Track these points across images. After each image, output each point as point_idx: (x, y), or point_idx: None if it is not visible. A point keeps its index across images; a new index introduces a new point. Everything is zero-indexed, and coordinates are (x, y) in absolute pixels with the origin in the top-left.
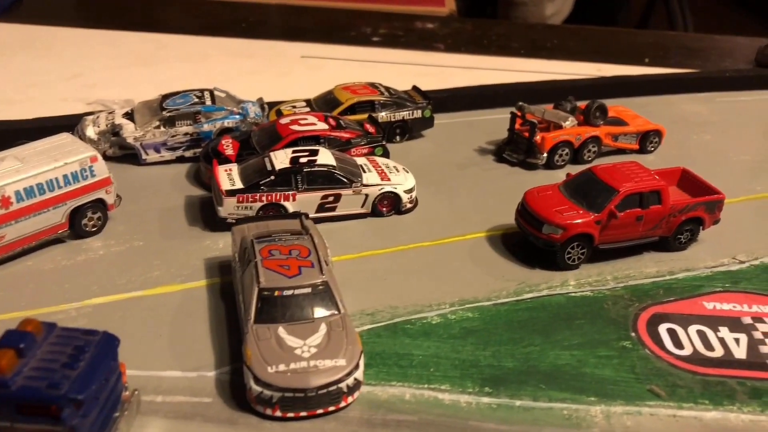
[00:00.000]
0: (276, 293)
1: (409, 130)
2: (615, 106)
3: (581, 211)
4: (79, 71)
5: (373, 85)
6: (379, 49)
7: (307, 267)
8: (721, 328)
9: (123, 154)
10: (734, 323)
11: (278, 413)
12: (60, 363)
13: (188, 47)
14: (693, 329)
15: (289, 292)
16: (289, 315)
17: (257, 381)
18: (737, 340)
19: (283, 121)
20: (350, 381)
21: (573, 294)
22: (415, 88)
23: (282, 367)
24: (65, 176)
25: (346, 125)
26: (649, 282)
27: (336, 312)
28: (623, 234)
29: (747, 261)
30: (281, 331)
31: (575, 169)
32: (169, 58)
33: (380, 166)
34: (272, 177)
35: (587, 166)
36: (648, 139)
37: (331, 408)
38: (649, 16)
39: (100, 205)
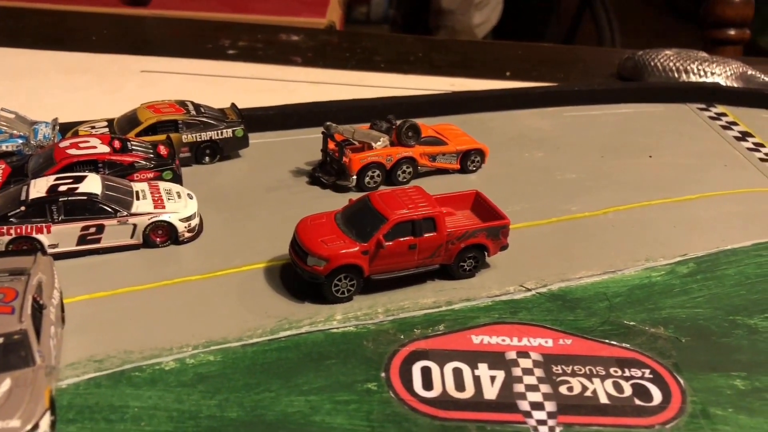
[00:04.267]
0: None
1: (220, 151)
2: (442, 124)
3: (347, 241)
4: None
5: (182, 103)
6: (233, 62)
7: (6, 314)
8: (480, 364)
9: None
10: (496, 359)
11: None
12: None
13: (13, 61)
14: (450, 367)
15: None
16: None
17: None
18: (493, 378)
19: (62, 144)
20: None
21: (334, 330)
22: (233, 105)
23: None
24: None
25: (133, 148)
26: (422, 314)
27: (28, 366)
28: (396, 264)
29: (534, 289)
30: None
31: None
32: None
33: (159, 192)
34: (23, 208)
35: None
36: (469, 159)
37: None
38: (577, 29)
39: None
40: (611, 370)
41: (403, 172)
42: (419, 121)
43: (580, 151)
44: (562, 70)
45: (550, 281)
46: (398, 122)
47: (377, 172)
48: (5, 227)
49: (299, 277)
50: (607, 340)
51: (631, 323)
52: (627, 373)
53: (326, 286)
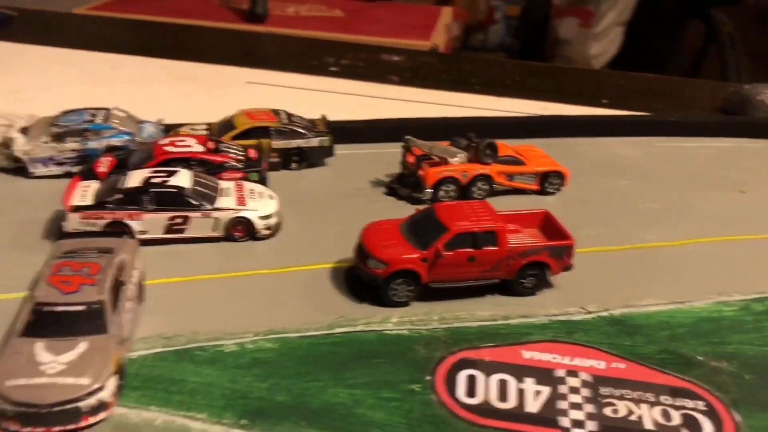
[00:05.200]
0: (45, 308)
1: (307, 158)
2: (525, 145)
3: (408, 248)
4: (17, 87)
5: (276, 112)
6: (334, 79)
7: (89, 285)
8: (527, 378)
9: (16, 166)
10: (544, 375)
11: (16, 427)
12: None
13: (137, 68)
14: (496, 378)
15: (61, 309)
16: (53, 331)
17: None
18: (537, 393)
19: (162, 141)
20: (92, 401)
21: (387, 332)
22: (323, 117)
23: (21, 382)
24: None
25: (225, 149)
26: (477, 325)
27: (103, 333)
28: (455, 274)
29: (595, 312)
30: (39, 345)
31: None
32: (114, 77)
33: (243, 191)
34: (120, 195)
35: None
36: (548, 180)
37: (71, 426)
38: (701, 63)
39: None
40: (662, 398)
41: (479, 188)
42: (503, 142)
43: (666, 181)
44: (663, 100)
45: (613, 306)
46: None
47: (452, 186)
48: (103, 212)
49: (361, 279)
50: (663, 369)
51: (692, 354)
52: (679, 403)
53: (384, 289)
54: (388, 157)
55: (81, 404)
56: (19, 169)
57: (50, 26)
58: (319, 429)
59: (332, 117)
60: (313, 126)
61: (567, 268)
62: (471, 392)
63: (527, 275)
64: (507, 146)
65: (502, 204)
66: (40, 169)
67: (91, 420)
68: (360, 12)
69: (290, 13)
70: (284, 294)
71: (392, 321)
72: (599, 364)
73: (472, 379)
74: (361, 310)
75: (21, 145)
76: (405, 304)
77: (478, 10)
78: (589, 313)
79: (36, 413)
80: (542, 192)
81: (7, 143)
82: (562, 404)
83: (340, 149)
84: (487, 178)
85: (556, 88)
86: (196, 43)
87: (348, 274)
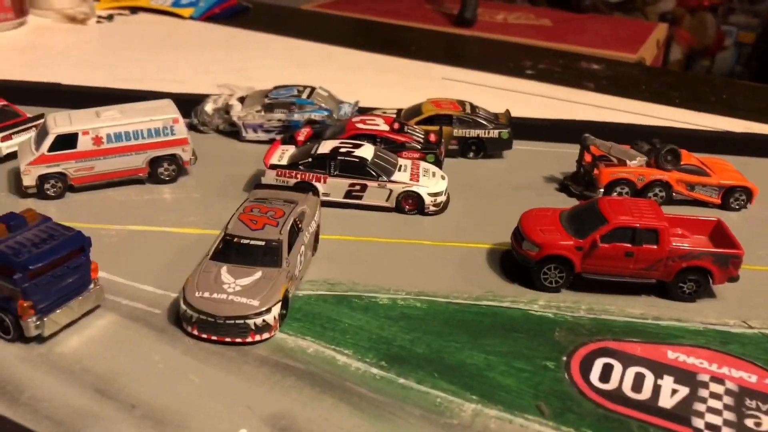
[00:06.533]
0: (234, 239)
1: (485, 148)
2: (714, 158)
3: (564, 234)
4: (244, 66)
5: (461, 103)
6: (528, 81)
7: (272, 226)
8: (666, 376)
9: (232, 130)
10: (686, 376)
11: (195, 332)
12: (32, 243)
13: (347, 58)
14: (633, 370)
15: (246, 241)
16: (237, 258)
17: (185, 301)
18: (674, 391)
19: (355, 119)
20: (258, 321)
21: (532, 312)
22: (506, 111)
23: (206, 294)
24: (149, 130)
25: (408, 131)
26: (624, 321)
27: (277, 267)
28: (610, 267)
29: (758, 328)
30: (224, 269)
31: None
32: (326, 65)
33: (418, 170)
34: (309, 159)
35: None
36: (732, 195)
37: (239, 340)
38: None
39: (175, 159)
40: None
41: (655, 195)
42: (690, 153)
43: None
44: None
45: None
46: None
47: (626, 189)
48: (295, 171)
49: (515, 261)
50: None
51: None
52: None
53: (536, 272)
54: (567, 156)
55: (249, 322)
56: (233, 132)
57: (278, 18)
58: (450, 382)
59: (517, 113)
60: (495, 119)
61: (732, 279)
62: (605, 378)
63: (687, 280)
64: (692, 156)
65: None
66: (250, 134)
67: (256, 337)
68: (568, 22)
69: (498, 19)
70: (440, 264)
71: (539, 303)
72: (750, 378)
73: (608, 367)
74: (510, 289)
75: (237, 112)
76: (555, 290)
77: (705, 34)
78: (751, 328)
79: (213, 323)
80: (725, 207)
81: (227, 109)
82: (699, 406)
83: (520, 144)
84: (665, 185)
85: (764, 109)
86: (403, 41)
87: (503, 256)
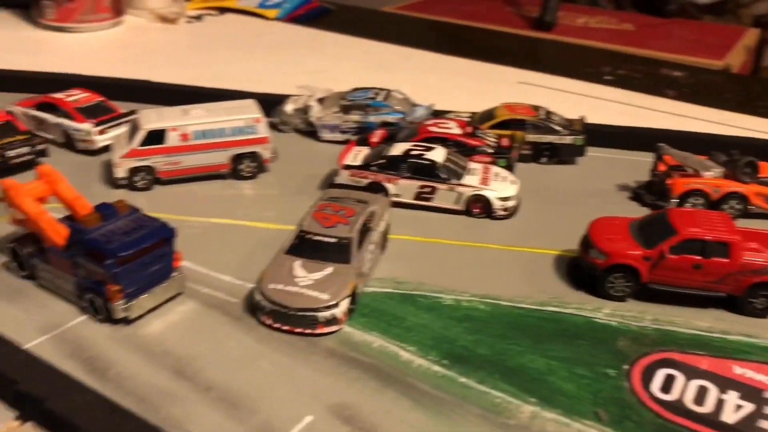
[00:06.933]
0: (308, 236)
1: (558, 154)
2: None
3: (632, 244)
4: (324, 67)
5: (535, 108)
6: (606, 86)
7: (343, 224)
8: (731, 391)
9: (310, 129)
10: (752, 393)
11: (268, 322)
12: (123, 232)
13: (425, 61)
14: (696, 383)
15: (318, 238)
16: (310, 253)
17: (260, 292)
18: (738, 407)
19: (428, 122)
20: (327, 314)
21: (596, 320)
22: (582, 118)
23: (279, 286)
24: (233, 129)
25: (481, 135)
26: (691, 333)
27: (347, 263)
28: (678, 279)
29: None
30: (298, 263)
31: None
32: (404, 67)
33: (489, 174)
34: (382, 161)
35: None
36: None
37: (308, 331)
38: None
39: (256, 156)
40: None
41: (731, 207)
42: None
43: None
44: None
45: None
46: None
47: (700, 200)
48: (367, 172)
49: (582, 270)
50: None
51: None
52: None
53: (602, 280)
54: (641, 165)
55: (318, 314)
56: (312, 132)
57: (359, 20)
58: (509, 384)
59: (592, 119)
60: (569, 125)
61: None
62: (666, 389)
63: (759, 295)
64: None
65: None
66: (327, 135)
67: (324, 330)
68: (652, 27)
69: (579, 23)
70: (506, 268)
71: (603, 311)
72: None
73: (670, 378)
74: (575, 296)
75: (316, 113)
76: (620, 299)
77: None
78: None
79: (285, 314)
80: None
81: (306, 110)
82: (764, 424)
83: (594, 151)
84: (741, 198)
85: None
86: (480, 43)
87: (570, 264)
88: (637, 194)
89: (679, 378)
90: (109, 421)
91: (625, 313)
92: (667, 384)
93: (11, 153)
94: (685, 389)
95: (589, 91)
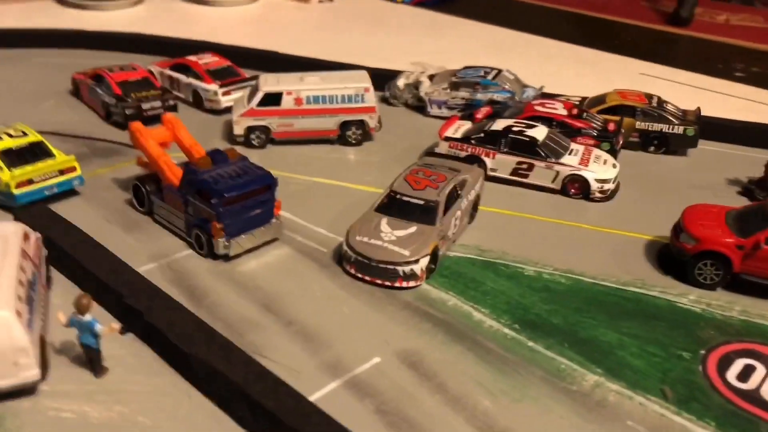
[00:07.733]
0: (397, 196)
1: (667, 144)
2: None
3: (725, 232)
4: (442, 48)
5: (648, 96)
6: (734, 83)
7: (432, 188)
8: None
9: (419, 105)
10: None
11: (352, 271)
12: (230, 176)
13: (545, 48)
14: None
15: (407, 199)
16: (397, 212)
17: (347, 243)
18: None
19: (535, 102)
20: (407, 269)
21: (680, 304)
22: (697, 109)
23: (365, 239)
24: (343, 96)
25: (586, 118)
26: None
27: (431, 224)
28: None
29: None
30: (385, 220)
31: None
32: (523, 52)
33: (590, 155)
34: (481, 135)
35: None
36: None
37: (388, 283)
38: None
39: (362, 124)
40: None
41: None
42: None
43: None
44: None
45: None
46: None
47: None
48: (466, 145)
49: (672, 254)
50: None
51: None
52: None
53: (690, 266)
54: (756, 161)
55: (399, 268)
56: (420, 107)
57: (487, 7)
58: (578, 353)
59: (711, 113)
60: (682, 115)
61: None
62: (742, 378)
63: None
64: None
65: None
66: (434, 110)
67: (404, 284)
68: None
69: (720, 20)
70: (594, 247)
71: (689, 297)
72: None
73: (749, 368)
74: (662, 280)
75: (426, 88)
76: (709, 287)
77: None
78: None
79: (368, 265)
80: None
81: (417, 85)
82: None
83: (707, 144)
84: None
85: None
86: (607, 35)
87: (661, 248)
88: (748, 189)
89: (760, 369)
90: (197, 339)
91: (711, 302)
92: (745, 373)
93: (146, 105)
94: (764, 380)
95: (714, 86)
